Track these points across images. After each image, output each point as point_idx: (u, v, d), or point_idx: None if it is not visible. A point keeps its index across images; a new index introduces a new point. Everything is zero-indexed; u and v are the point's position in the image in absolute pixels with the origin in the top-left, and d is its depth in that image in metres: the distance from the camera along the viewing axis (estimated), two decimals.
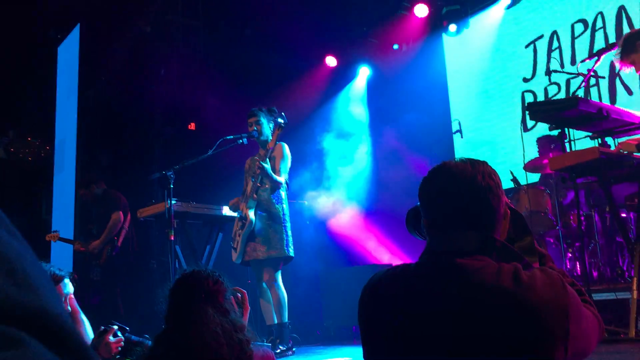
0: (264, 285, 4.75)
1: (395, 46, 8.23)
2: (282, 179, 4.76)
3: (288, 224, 4.78)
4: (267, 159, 4.69)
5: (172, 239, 4.63)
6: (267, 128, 4.88)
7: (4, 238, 0.35)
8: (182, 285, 1.87)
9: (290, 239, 4.75)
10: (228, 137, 4.87)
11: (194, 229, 5.63)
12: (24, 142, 9.97)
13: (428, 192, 1.40)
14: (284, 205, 4.80)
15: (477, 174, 1.34)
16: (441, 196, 1.36)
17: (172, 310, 1.84)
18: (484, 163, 1.39)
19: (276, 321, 4.68)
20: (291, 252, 4.72)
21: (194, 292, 1.82)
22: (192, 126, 7.96)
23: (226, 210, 5.24)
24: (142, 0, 7.74)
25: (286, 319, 4.68)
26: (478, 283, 1.23)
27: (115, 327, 2.41)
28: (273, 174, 4.68)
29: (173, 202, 4.77)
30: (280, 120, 4.78)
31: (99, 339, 2.35)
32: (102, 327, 2.42)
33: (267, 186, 4.75)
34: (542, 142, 5.70)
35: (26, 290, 0.32)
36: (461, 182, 1.33)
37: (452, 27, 7.52)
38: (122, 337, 2.40)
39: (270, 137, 4.86)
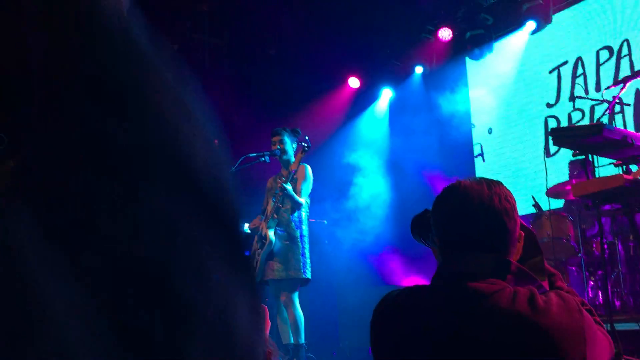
0: (282, 304, 4.75)
1: (419, 69, 8.26)
2: (302, 200, 4.77)
3: (307, 246, 4.78)
4: (289, 181, 4.71)
5: None
6: (290, 148, 4.91)
7: None
8: None
9: (308, 261, 4.75)
10: (250, 155, 4.90)
11: None
12: None
13: (442, 212, 1.37)
14: (304, 227, 4.80)
15: (494, 195, 1.31)
16: (456, 217, 1.33)
17: None
18: (500, 184, 1.36)
19: (292, 341, 4.67)
20: (308, 275, 4.70)
21: None
22: (214, 143, 8.02)
23: (246, 228, 5.26)
24: (171, 20, 7.89)
25: (303, 340, 4.66)
26: (493, 307, 1.21)
27: None
28: (294, 194, 4.70)
29: None
30: (303, 143, 4.81)
31: None
32: None
33: (288, 207, 4.77)
34: (573, 166, 5.58)
35: None
36: (477, 204, 1.30)
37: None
38: None
39: (293, 157, 4.89)
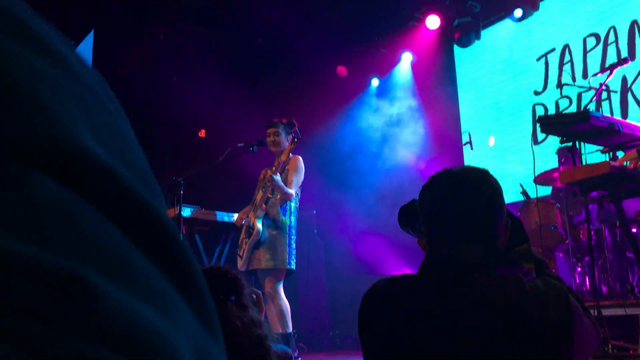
0: (266, 294, 4.75)
1: (407, 57, 8.25)
2: (292, 191, 4.76)
3: (294, 237, 4.78)
4: (280, 172, 4.69)
5: None
6: (284, 140, 4.88)
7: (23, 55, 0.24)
8: None
9: (294, 252, 4.75)
10: (239, 145, 4.89)
11: (202, 235, 5.64)
12: None
13: (429, 201, 1.36)
14: (292, 218, 4.80)
15: (481, 184, 1.31)
16: (443, 206, 1.32)
17: None
18: (486, 172, 1.35)
19: (280, 331, 4.68)
20: (292, 266, 4.71)
21: (213, 287, 1.82)
22: (202, 133, 7.99)
23: (235, 217, 5.25)
24: (157, 8, 7.81)
25: (290, 329, 4.67)
26: (481, 295, 1.22)
27: None
28: (284, 186, 4.68)
29: (183, 208, 4.78)
30: (293, 135, 4.79)
31: None
32: None
33: (277, 197, 4.76)
34: (561, 153, 5.62)
35: (36, 119, 0.23)
36: (464, 193, 1.30)
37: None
38: None
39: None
